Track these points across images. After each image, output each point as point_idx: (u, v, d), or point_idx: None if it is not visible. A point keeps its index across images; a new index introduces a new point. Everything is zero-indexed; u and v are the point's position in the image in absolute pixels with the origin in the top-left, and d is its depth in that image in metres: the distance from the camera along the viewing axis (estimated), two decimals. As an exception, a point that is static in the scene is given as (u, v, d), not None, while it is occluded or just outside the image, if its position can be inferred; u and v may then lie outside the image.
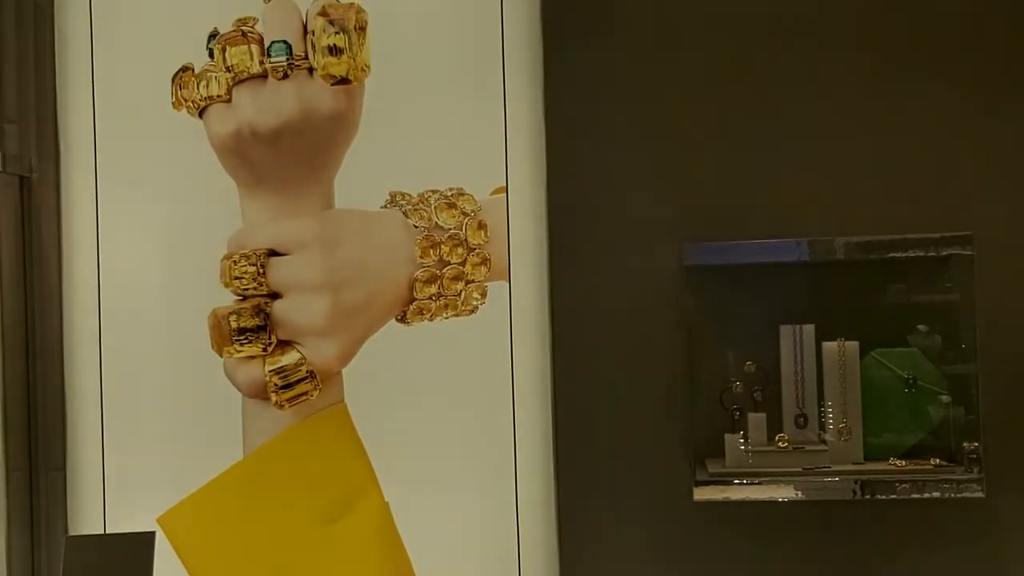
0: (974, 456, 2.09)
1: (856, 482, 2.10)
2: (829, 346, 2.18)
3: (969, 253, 2.11)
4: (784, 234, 2.20)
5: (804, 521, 2.22)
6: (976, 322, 2.13)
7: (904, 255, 2.13)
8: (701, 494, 2.12)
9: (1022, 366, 2.19)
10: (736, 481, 2.14)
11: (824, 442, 2.17)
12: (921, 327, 2.20)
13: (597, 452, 2.29)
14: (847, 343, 2.17)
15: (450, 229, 2.26)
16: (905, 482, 2.09)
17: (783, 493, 2.12)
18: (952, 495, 2.09)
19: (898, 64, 2.24)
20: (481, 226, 2.28)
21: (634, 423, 2.29)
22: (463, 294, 2.28)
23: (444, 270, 2.26)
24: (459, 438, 2.29)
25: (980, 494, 2.07)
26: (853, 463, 2.16)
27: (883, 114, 2.24)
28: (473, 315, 2.28)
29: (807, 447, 2.16)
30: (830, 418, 2.19)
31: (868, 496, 2.11)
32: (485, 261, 2.28)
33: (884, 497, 2.10)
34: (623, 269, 2.29)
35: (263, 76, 2.26)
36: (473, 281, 2.28)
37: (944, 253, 2.12)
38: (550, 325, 2.31)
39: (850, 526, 2.22)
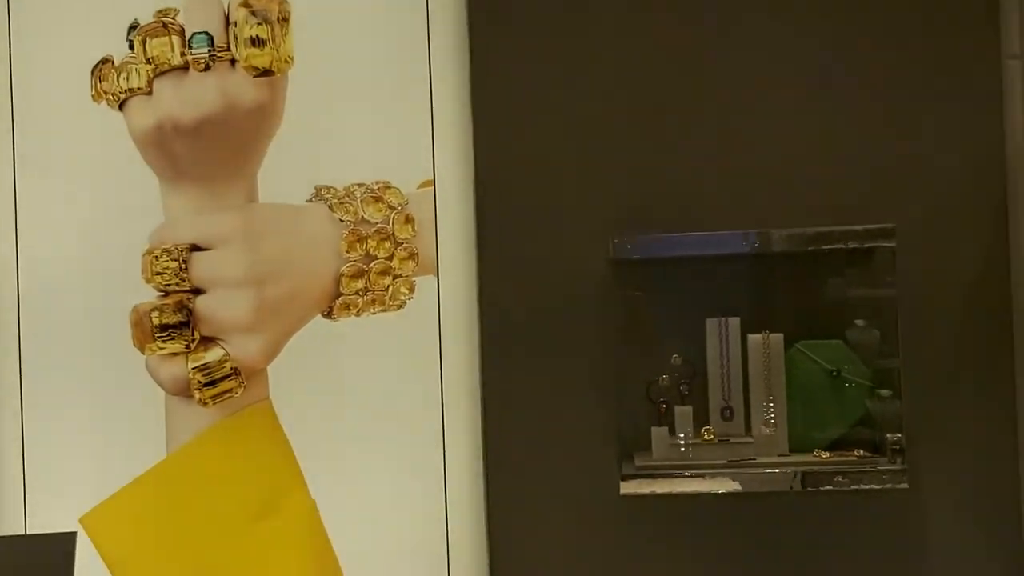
0: (897, 447, 2.11)
1: (796, 474, 2.11)
2: (754, 339, 2.19)
3: (891, 245, 2.12)
4: (712, 228, 2.20)
5: (731, 514, 2.23)
6: (899, 315, 2.14)
7: (828, 248, 2.14)
8: (627, 488, 2.12)
9: (944, 358, 2.21)
10: (669, 475, 2.14)
11: (750, 435, 2.18)
12: (858, 321, 2.21)
13: (527, 447, 2.28)
14: (771, 336, 2.18)
15: (377, 223, 2.24)
16: (843, 473, 2.10)
17: (711, 486, 2.12)
18: (883, 486, 2.10)
19: (827, 56, 2.25)
20: (408, 220, 2.26)
21: (564, 417, 2.28)
22: (390, 289, 2.26)
23: (371, 265, 2.24)
24: (387, 434, 2.27)
25: (904, 485, 2.09)
26: (779, 455, 2.17)
27: (812, 107, 2.25)
28: (401, 310, 2.26)
29: (732, 439, 2.16)
30: (760, 410, 2.20)
31: (808, 488, 2.11)
32: (413, 255, 2.26)
33: (818, 488, 2.11)
34: (552, 263, 2.28)
35: (184, 68, 2.23)
36: (401, 276, 2.26)
37: (867, 246, 2.13)
38: (479, 319, 2.29)
39: (776, 518, 2.23)
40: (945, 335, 2.22)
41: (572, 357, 2.27)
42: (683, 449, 2.17)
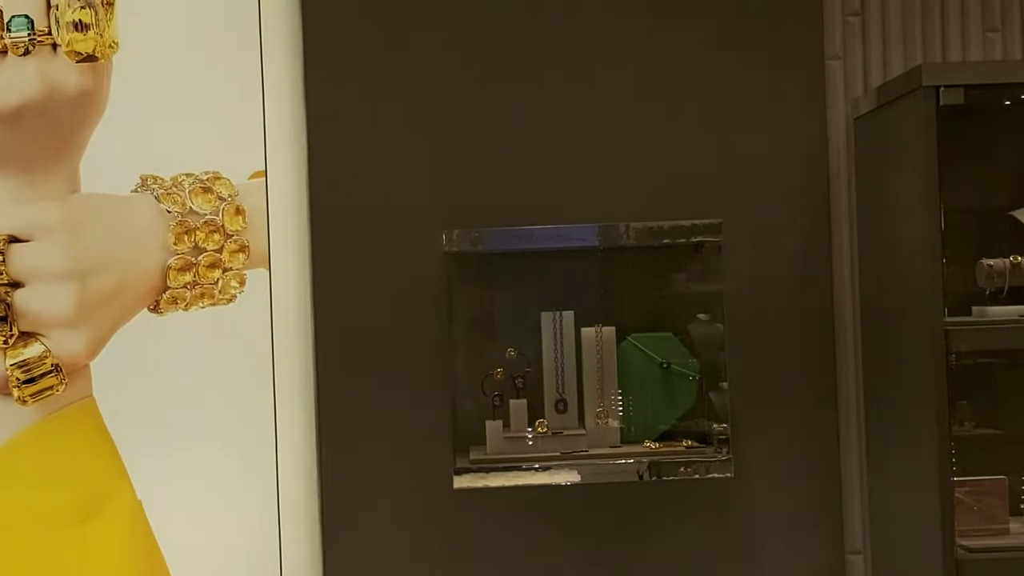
0: (723, 438, 2.15)
1: (629, 465, 2.13)
2: (587, 332, 2.21)
3: (718, 241, 2.16)
4: (544, 222, 2.21)
5: (564, 505, 2.25)
6: (727, 308, 2.19)
7: (658, 243, 2.17)
8: (460, 482, 2.11)
9: (770, 351, 2.27)
10: (502, 468, 2.13)
11: (583, 426, 2.20)
12: (701, 315, 2.25)
13: (362, 442, 2.26)
14: (604, 328, 2.20)
15: (206, 214, 2.18)
16: (670, 464, 2.13)
17: (545, 479, 2.13)
18: (709, 475, 2.13)
19: (657, 56, 2.28)
20: (239, 211, 2.20)
21: (400, 412, 2.26)
22: (220, 282, 2.20)
23: (200, 257, 2.18)
24: (217, 432, 2.21)
25: (729, 474, 2.13)
26: (610, 446, 2.19)
27: (642, 106, 2.28)
28: (231, 304, 2.21)
29: (566, 432, 2.18)
30: (594, 402, 2.21)
31: (640, 479, 2.14)
32: (243, 248, 2.21)
33: (644, 479, 2.14)
34: (387, 256, 2.26)
35: (3, 52, 2.13)
36: (231, 269, 2.20)
37: (695, 240, 2.17)
38: (312, 313, 2.26)
39: (608, 508, 2.26)
40: (771, 328, 2.28)
41: (407, 351, 2.25)
42: (528, 442, 2.18)
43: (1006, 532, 2.08)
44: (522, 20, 2.28)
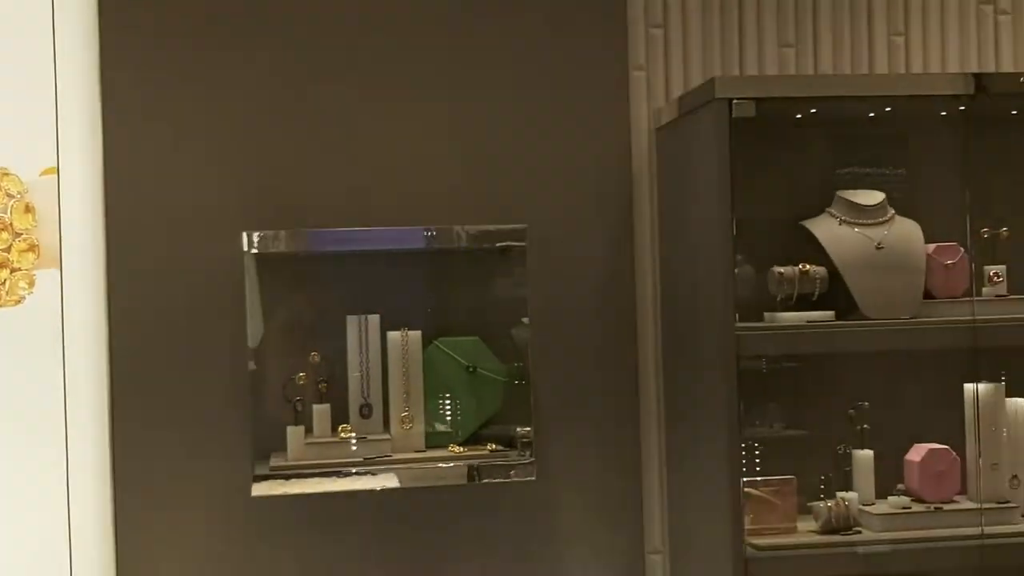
0: (527, 441, 2.17)
1: (447, 468, 2.12)
2: (393, 336, 2.19)
3: (523, 245, 2.18)
4: (352, 224, 2.19)
5: (367, 510, 2.23)
6: (532, 312, 2.21)
7: (465, 247, 2.17)
8: (259, 490, 2.06)
9: (572, 354, 2.30)
10: (303, 474, 2.09)
11: (388, 431, 2.18)
12: (524, 320, 2.25)
13: (158, 449, 2.19)
14: (410, 333, 2.19)
15: (-8, 212, 2.09)
16: (473, 468, 2.12)
17: (345, 485, 2.10)
18: (512, 479, 2.14)
19: (463, 63, 2.30)
20: (28, 209, 2.11)
21: (199, 418, 2.21)
22: (7, 283, 2.11)
23: (-15, 256, 2.08)
24: (4, 438, 2.11)
25: (532, 477, 2.15)
26: (415, 451, 2.18)
27: (449, 112, 2.29)
28: (19, 306, 2.12)
29: (369, 437, 2.16)
30: (399, 407, 2.19)
31: (441, 483, 2.13)
32: (33, 247, 2.12)
33: (443, 485, 2.14)
34: (186, 257, 2.20)
35: None
36: (19, 269, 2.11)
37: (500, 245, 2.18)
38: (106, 316, 2.18)
39: (416, 514, 2.25)
40: (576, 332, 2.31)
41: (207, 356, 2.20)
42: (330, 448, 2.14)
43: (794, 530, 2.16)
44: (333, 21, 2.26)
